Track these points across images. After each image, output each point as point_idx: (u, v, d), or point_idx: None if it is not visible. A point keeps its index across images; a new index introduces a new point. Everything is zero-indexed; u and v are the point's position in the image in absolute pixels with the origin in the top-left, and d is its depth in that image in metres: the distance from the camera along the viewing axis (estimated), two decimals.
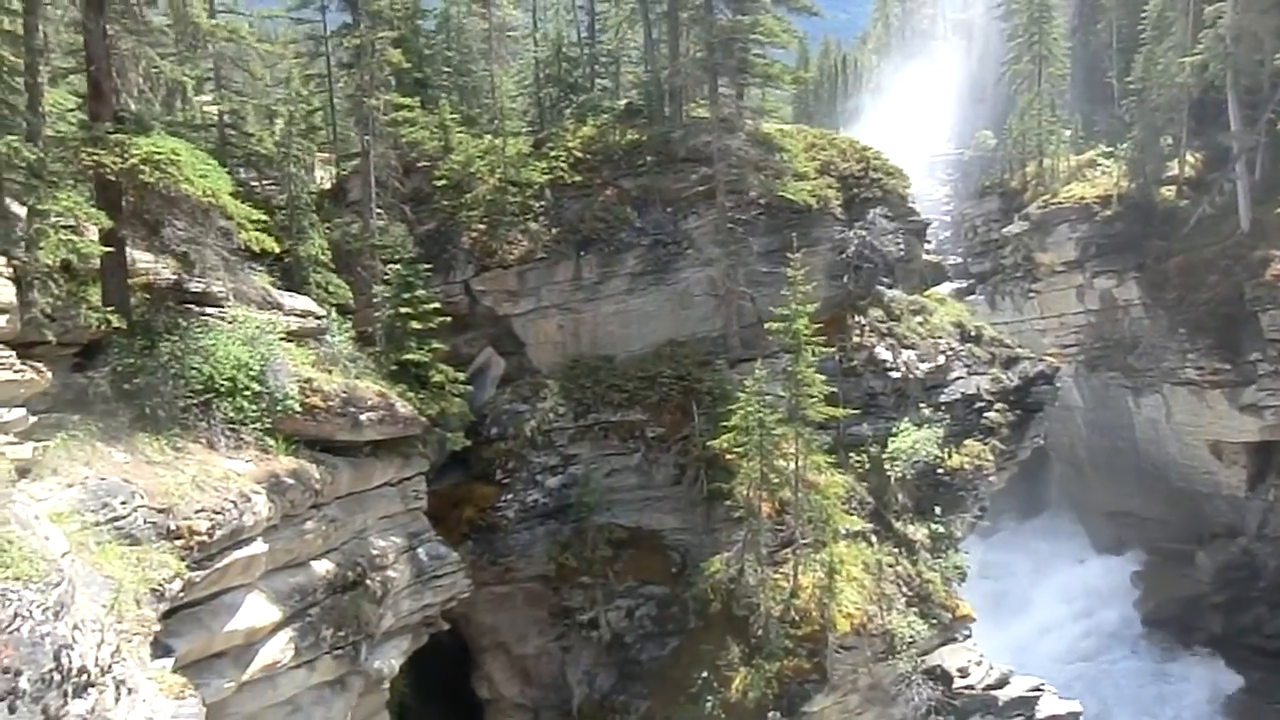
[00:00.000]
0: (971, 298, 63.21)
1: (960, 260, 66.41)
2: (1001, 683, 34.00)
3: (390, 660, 21.32)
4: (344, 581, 18.88)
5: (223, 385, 16.63)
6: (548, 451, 27.79)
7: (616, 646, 26.97)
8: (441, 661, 30.86)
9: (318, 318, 20.54)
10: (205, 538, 13.94)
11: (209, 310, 18.00)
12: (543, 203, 29.54)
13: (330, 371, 19.61)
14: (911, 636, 25.73)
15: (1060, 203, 51.43)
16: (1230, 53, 43.80)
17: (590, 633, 27.16)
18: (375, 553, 20.44)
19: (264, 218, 16.95)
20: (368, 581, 19.69)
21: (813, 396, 24.04)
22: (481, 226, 29.08)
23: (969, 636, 36.64)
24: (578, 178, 29.93)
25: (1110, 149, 55.44)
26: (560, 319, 29.92)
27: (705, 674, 25.14)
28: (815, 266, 31.14)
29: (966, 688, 33.04)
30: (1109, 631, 52.27)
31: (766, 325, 25.23)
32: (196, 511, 14.02)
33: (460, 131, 30.27)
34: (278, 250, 17.65)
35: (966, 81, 72.80)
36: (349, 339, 22.09)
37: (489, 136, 30.37)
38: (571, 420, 28.05)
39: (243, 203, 16.51)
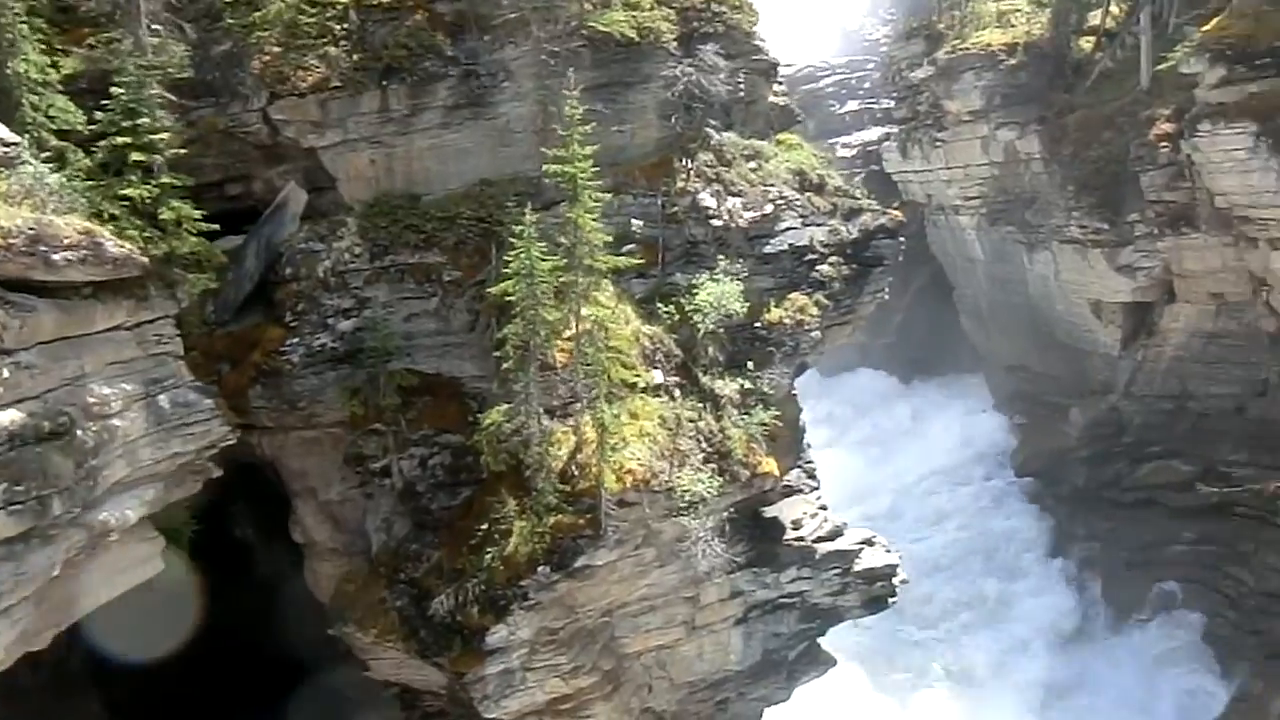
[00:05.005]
0: (885, 144, 61.37)
1: (891, 105, 64.15)
2: (834, 535, 34.09)
3: (125, 510, 20.45)
4: (39, 432, 17.67)
5: None
6: (341, 294, 26.42)
7: (410, 495, 26.42)
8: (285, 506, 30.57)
9: (6, 145, 18.67)
10: None
11: None
12: (345, 25, 27.14)
13: (20, 206, 17.92)
14: (704, 493, 25.17)
15: (968, 49, 49.05)
16: None
17: (384, 481, 26.58)
18: (93, 400, 19.17)
19: None
20: (77, 432, 18.61)
21: (594, 245, 22.68)
22: (276, 49, 26.77)
23: (816, 489, 36.74)
24: None
25: None
26: (371, 153, 27.94)
27: (488, 526, 24.72)
28: (646, 105, 29.24)
29: (797, 539, 33.18)
30: (983, 478, 53.84)
31: (545, 168, 23.52)
32: None
33: None
34: None
35: None
36: (74, 171, 20.26)
37: None
38: (368, 261, 26.57)
39: None
